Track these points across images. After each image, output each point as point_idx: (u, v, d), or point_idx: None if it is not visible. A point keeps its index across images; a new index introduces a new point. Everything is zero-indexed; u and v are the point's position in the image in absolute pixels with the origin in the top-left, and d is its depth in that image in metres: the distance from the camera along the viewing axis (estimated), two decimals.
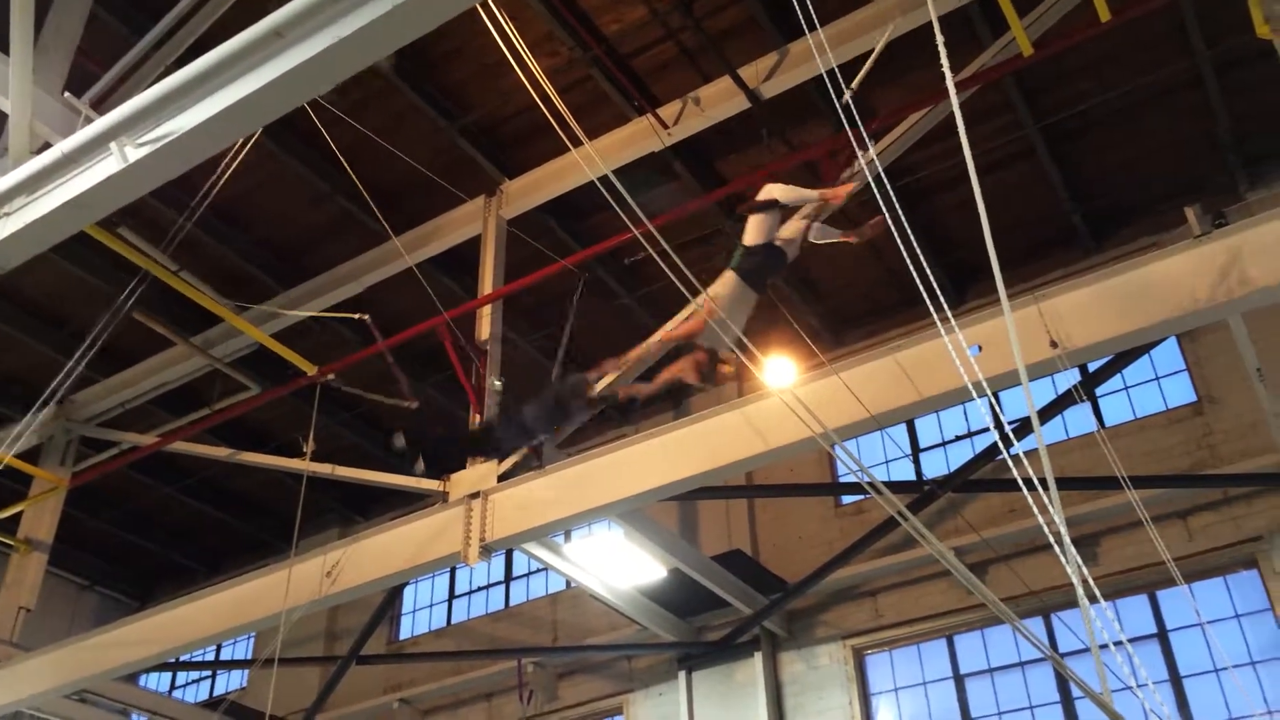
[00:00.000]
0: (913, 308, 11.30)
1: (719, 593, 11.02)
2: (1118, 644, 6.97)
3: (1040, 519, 5.16)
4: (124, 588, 17.11)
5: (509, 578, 14.36)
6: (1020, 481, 5.45)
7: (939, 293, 5.17)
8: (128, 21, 8.37)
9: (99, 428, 12.17)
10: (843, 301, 12.29)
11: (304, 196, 10.53)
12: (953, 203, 10.60)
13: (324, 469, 10.16)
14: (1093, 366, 9.61)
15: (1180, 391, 10.78)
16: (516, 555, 14.10)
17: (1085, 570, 5.34)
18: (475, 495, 8.70)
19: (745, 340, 6.15)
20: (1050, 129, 10.08)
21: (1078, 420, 10.57)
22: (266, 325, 10.75)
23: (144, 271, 9.23)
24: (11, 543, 11.45)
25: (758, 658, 11.42)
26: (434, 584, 15.01)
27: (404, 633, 14.99)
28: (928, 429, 12.06)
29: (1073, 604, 5.49)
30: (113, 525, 15.42)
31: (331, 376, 10.06)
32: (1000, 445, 5.58)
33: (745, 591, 11.24)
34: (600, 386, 6.45)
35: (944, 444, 11.90)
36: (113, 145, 5.72)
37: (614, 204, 5.86)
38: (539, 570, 13.80)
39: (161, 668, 14.25)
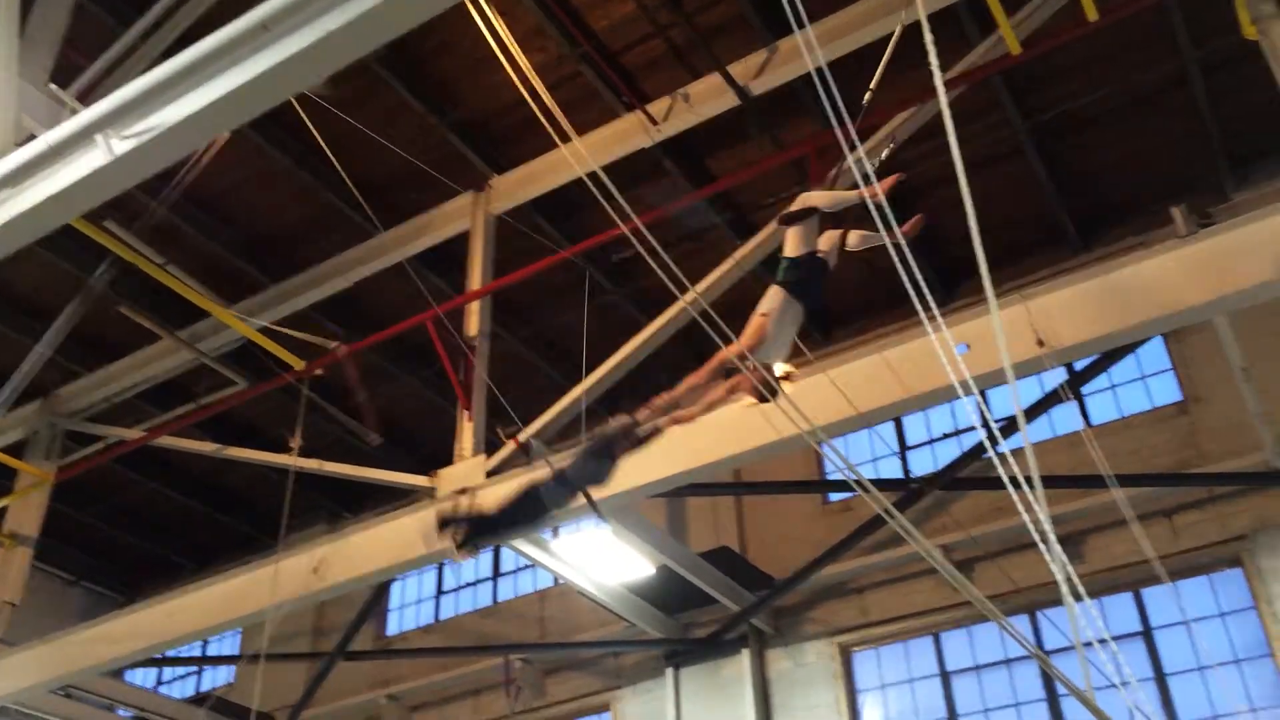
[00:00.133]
0: (902, 305, 11.13)
1: (707, 590, 11.03)
2: (1102, 642, 7.00)
3: (1025, 517, 5.20)
4: (110, 583, 17.04)
5: (497, 574, 14.35)
6: (1006, 480, 5.48)
7: (927, 291, 5.19)
8: (114, 13, 8.32)
9: (85, 422, 12.11)
10: (832, 299, 12.28)
11: (292, 191, 10.49)
12: (941, 201, 10.58)
13: (311, 464, 10.12)
14: (1079, 365, 9.64)
15: (1166, 390, 10.82)
16: (505, 551, 14.08)
17: (1070, 568, 5.37)
18: (463, 491, 8.69)
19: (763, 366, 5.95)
20: (1038, 128, 10.11)
21: (1064, 419, 10.61)
22: (254, 320, 10.71)
23: (110, 257, 9.15)
24: None
25: (745, 655, 11.44)
26: (422, 580, 14.99)
27: (391, 629, 14.97)
28: (915, 427, 12.09)
29: (1059, 602, 5.47)
30: (99, 520, 15.35)
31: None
32: (986, 444, 5.59)
33: (733, 588, 11.25)
34: (647, 423, 6.19)
35: (931, 442, 11.93)
36: (98, 137, 5.70)
37: (602, 200, 5.85)
38: (527, 567, 13.79)
39: (148, 663, 14.20)
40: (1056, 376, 9.57)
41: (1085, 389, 10.54)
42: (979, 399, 5.71)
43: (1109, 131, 10.30)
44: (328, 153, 8.89)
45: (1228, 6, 7.11)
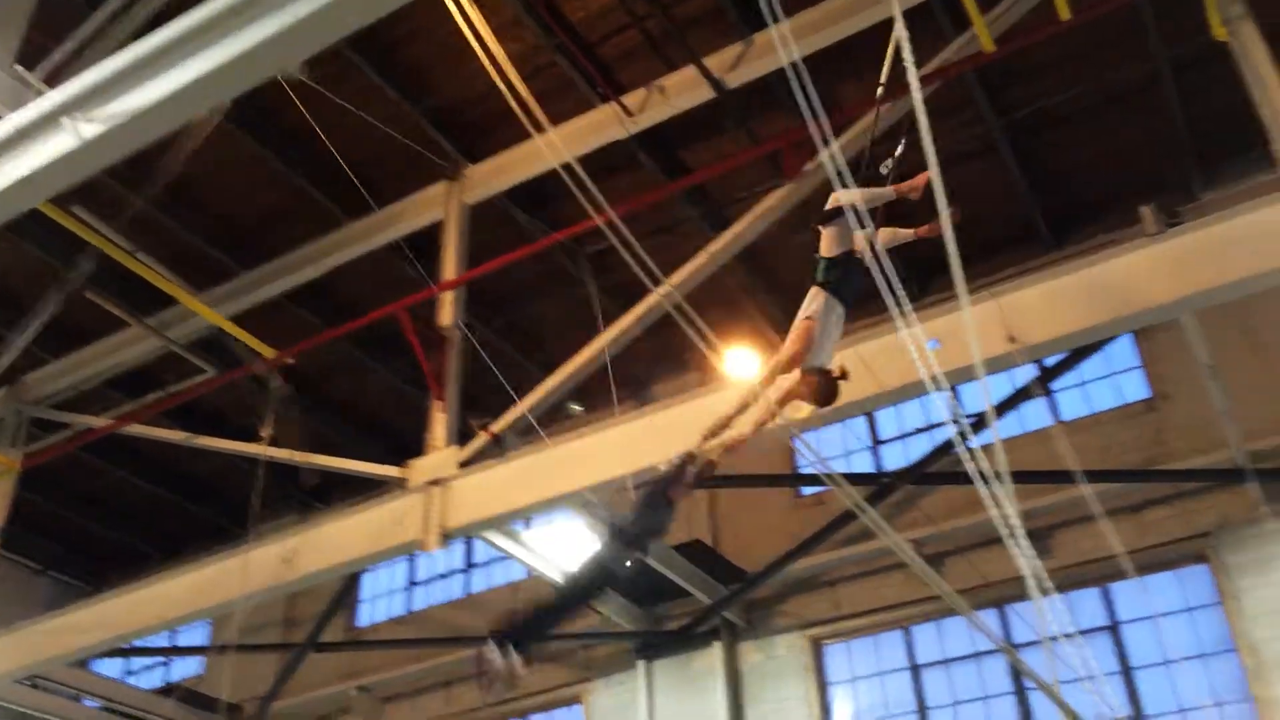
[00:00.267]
0: (875, 300, 11.32)
1: (679, 582, 11.06)
2: (1069, 636, 7.07)
3: (993, 512, 5.24)
4: (77, 572, 16.86)
5: (469, 565, 14.32)
6: (975, 475, 5.52)
7: (899, 288, 5.22)
8: None
9: (52, 409, 11.95)
10: (806, 292, 12.30)
11: (263, 177, 10.39)
12: (915, 198, 10.64)
13: (281, 454, 10.05)
14: (1049, 361, 9.71)
15: (1134, 388, 10.93)
16: (477, 543, 14.05)
17: (1039, 563, 5.42)
18: (435, 482, 8.67)
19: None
20: (1012, 126, 10.16)
21: (1034, 414, 10.68)
22: (223, 307, 10.62)
23: (86, 245, 9.06)
24: None
25: (716, 647, 11.48)
26: (393, 571, 14.93)
27: (363, 620, 14.91)
28: (888, 422, 12.15)
29: (1027, 596, 5.54)
30: (66, 509, 15.19)
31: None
32: (956, 439, 5.63)
33: (705, 581, 11.28)
34: (703, 453, 5.99)
35: (903, 436, 11.99)
36: (65, 120, 5.63)
37: (576, 191, 5.84)
38: (500, 558, 13.76)
39: (115, 653, 14.09)
40: (1028, 372, 9.65)
41: (1055, 385, 10.63)
42: (950, 395, 5.77)
43: (1081, 130, 10.37)
44: (301, 138, 8.81)
45: (1198, 7, 7.17)
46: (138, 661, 16.30)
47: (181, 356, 11.28)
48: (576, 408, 12.40)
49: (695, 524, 12.28)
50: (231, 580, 9.28)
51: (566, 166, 5.92)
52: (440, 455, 8.82)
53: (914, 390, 6.93)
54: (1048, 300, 6.75)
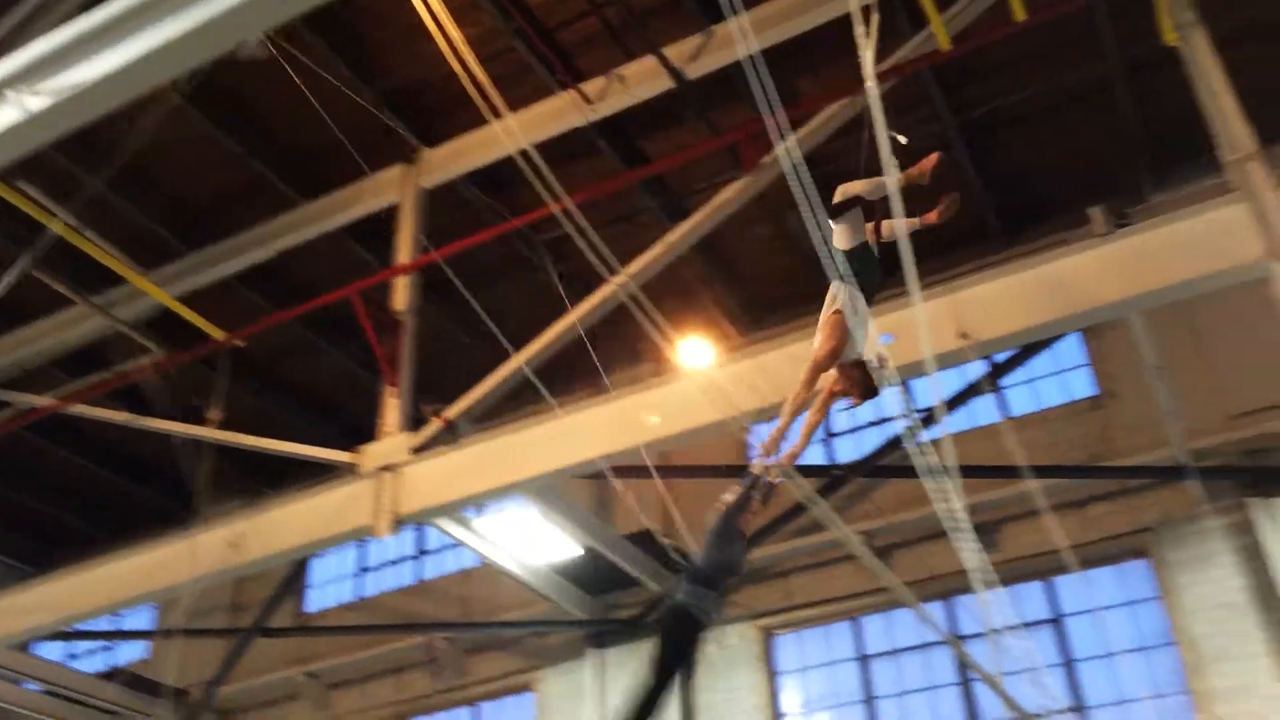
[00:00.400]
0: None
1: (631, 571, 11.08)
2: (1013, 629, 7.19)
3: (939, 506, 5.31)
4: (20, 554, 16.52)
5: (421, 552, 14.24)
6: (924, 469, 5.59)
7: (854, 282, 5.27)
8: None
9: None
10: (763, 286, 12.37)
11: (217, 158, 10.23)
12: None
13: (229, 437, 9.92)
14: (1000, 358, 9.83)
15: (1082, 385, 11.10)
16: (429, 530, 13.98)
17: (985, 556, 5.51)
18: (388, 468, 8.61)
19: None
20: (967, 124, 10.25)
21: (984, 410, 10.82)
22: (173, 287, 10.45)
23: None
24: None
25: None
26: (343, 557, 14.81)
27: (312, 606, 14.78)
28: (841, 414, 12.23)
29: (973, 589, 5.63)
30: (9, 489, 14.91)
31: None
32: (906, 434, 5.70)
33: (657, 570, 11.31)
34: (765, 474, 5.93)
35: (855, 430, 12.09)
36: (10, 93, 5.51)
37: (533, 178, 5.81)
38: (453, 545, 13.71)
39: (58, 636, 13.86)
40: (978, 368, 9.77)
41: (1004, 381, 10.77)
42: (901, 389, 5.82)
43: (1036, 130, 10.49)
44: (277, 115, 8.67)
45: (1152, 12, 7.27)
46: (81, 645, 16.05)
47: (130, 337, 11.09)
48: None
49: (649, 513, 12.29)
50: (178, 564, 9.16)
51: (524, 153, 5.89)
52: (393, 441, 8.77)
53: None
54: (999, 297, 6.84)
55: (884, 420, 11.73)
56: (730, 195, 8.58)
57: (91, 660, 16.05)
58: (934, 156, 5.77)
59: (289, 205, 10.45)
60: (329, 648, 13.72)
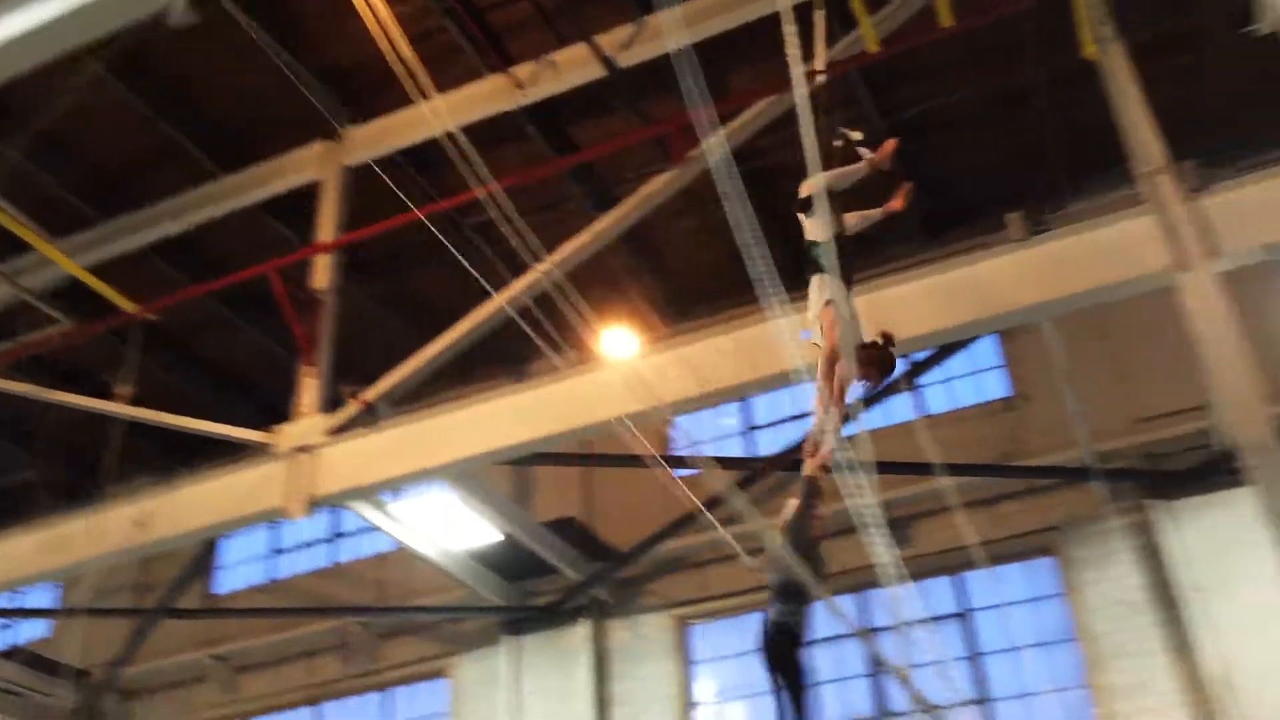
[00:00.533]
0: (754, 289, 11.48)
1: (549, 559, 11.06)
2: (922, 622, 7.33)
3: (852, 501, 5.40)
4: None
5: (336, 535, 14.03)
6: (839, 464, 5.67)
7: (776, 277, 5.31)
8: None
9: None
10: (689, 279, 12.40)
11: (131, 124, 9.91)
12: (796, 189, 10.80)
13: (139, 412, 9.65)
14: (917, 357, 10.00)
15: (996, 386, 11.35)
16: (345, 512, 13.77)
17: (897, 551, 5.62)
18: (303, 449, 8.48)
19: None
20: (894, 126, 10.37)
21: (900, 408, 10.99)
22: (83, 256, 10.12)
23: None
24: None
25: (584, 624, 11.52)
26: (255, 538, 14.52)
27: (222, 587, 14.47)
28: (764, 409, 12.35)
29: (884, 583, 5.74)
30: None
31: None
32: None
33: (576, 559, 11.31)
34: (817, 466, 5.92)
35: (775, 424, 12.21)
36: None
37: (459, 161, 5.74)
38: (368, 529, 13.53)
39: None
40: (897, 367, 9.91)
41: (921, 380, 10.96)
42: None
43: (962, 135, 10.68)
44: (196, 83, 8.44)
45: (1074, 26, 7.45)
46: None
47: (36, 306, 10.72)
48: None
49: (570, 501, 12.28)
50: (81, 541, 8.93)
51: (450, 135, 5.82)
52: (309, 421, 8.63)
53: (785, 379, 7.06)
54: (918, 298, 6.97)
55: (804, 415, 11.85)
56: (658, 186, 8.59)
57: None
58: (891, 142, 5.88)
59: (209, 177, 10.19)
60: (238, 630, 13.45)
